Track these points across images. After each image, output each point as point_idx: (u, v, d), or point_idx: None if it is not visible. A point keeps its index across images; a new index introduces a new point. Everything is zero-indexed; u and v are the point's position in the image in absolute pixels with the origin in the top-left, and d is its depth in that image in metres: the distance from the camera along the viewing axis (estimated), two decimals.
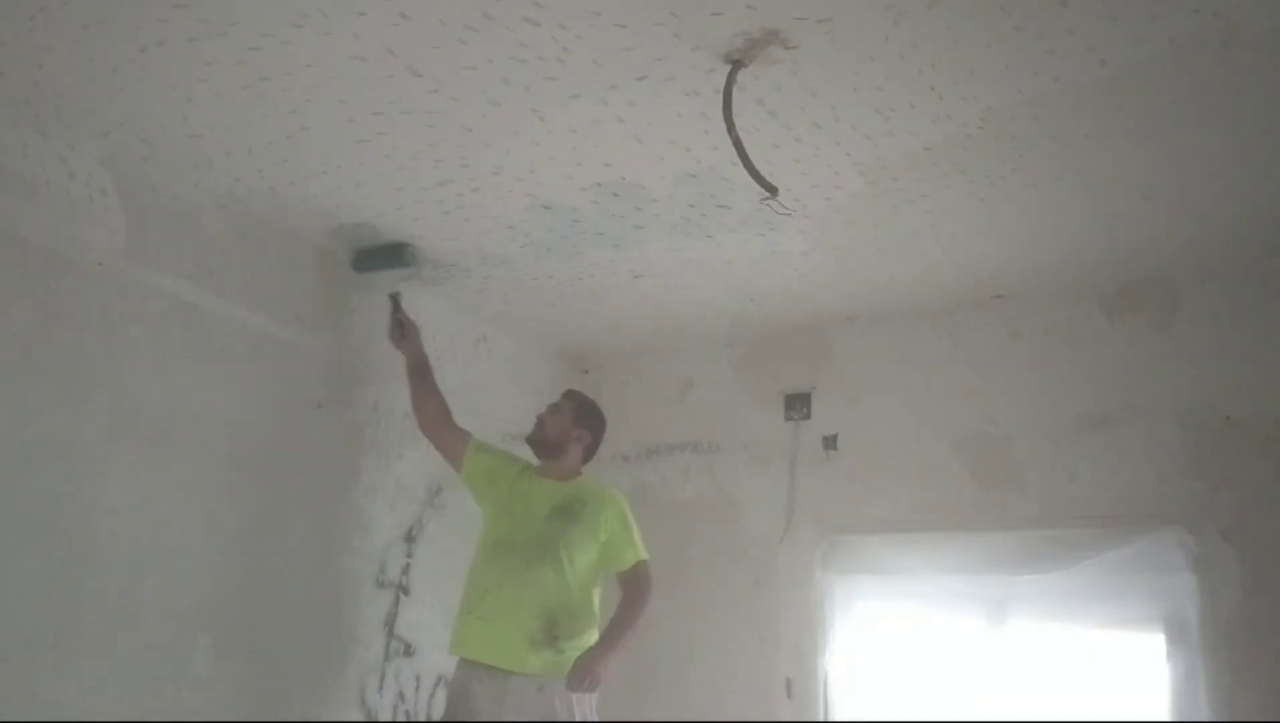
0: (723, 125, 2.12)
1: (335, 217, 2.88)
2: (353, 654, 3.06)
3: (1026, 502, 3.28)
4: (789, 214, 2.68)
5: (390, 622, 3.19)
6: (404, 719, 3.20)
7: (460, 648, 2.80)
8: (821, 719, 3.46)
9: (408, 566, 3.29)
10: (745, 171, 2.20)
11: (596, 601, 2.88)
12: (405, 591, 3.26)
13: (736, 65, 2.03)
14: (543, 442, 3.01)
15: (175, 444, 2.62)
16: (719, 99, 2.10)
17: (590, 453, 3.09)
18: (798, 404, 3.76)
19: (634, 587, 2.86)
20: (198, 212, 2.75)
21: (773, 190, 2.24)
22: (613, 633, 2.76)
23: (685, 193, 2.69)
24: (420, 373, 3.11)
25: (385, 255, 3.05)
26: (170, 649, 2.55)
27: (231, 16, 1.95)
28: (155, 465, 2.57)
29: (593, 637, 2.78)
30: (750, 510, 3.77)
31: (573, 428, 3.01)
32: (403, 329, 3.13)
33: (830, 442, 3.66)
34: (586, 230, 2.95)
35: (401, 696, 3.20)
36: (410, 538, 3.31)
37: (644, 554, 2.90)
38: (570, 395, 3.16)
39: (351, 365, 3.18)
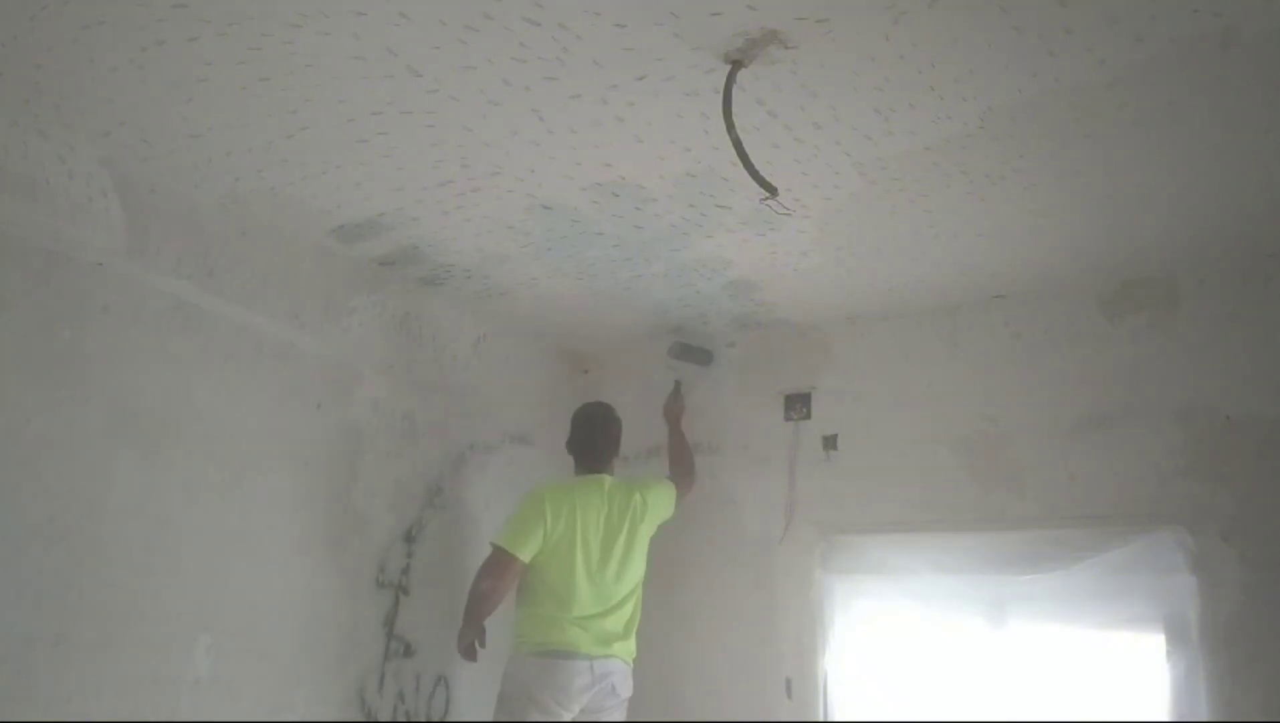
0: (723, 125, 2.12)
1: (335, 217, 2.89)
2: (353, 654, 3.06)
3: (1026, 502, 3.27)
4: (789, 214, 2.68)
5: (390, 622, 3.19)
6: (404, 719, 3.20)
7: None
8: (821, 719, 3.46)
9: (408, 566, 3.28)
10: (745, 171, 2.20)
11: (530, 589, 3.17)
12: (405, 591, 3.26)
13: (736, 65, 2.03)
14: None
15: (175, 444, 2.62)
16: (719, 99, 2.10)
17: (571, 451, 3.41)
18: (798, 404, 3.76)
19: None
20: (198, 212, 2.75)
21: (773, 190, 2.23)
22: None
23: (685, 193, 2.69)
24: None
25: (699, 354, 3.84)
26: (170, 649, 2.55)
27: (231, 16, 1.95)
28: (155, 465, 2.57)
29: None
30: (750, 510, 3.76)
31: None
32: (680, 406, 3.80)
33: (830, 442, 3.66)
34: (586, 230, 2.95)
35: (401, 696, 3.20)
36: (410, 538, 3.31)
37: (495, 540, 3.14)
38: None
39: (351, 365, 3.18)
